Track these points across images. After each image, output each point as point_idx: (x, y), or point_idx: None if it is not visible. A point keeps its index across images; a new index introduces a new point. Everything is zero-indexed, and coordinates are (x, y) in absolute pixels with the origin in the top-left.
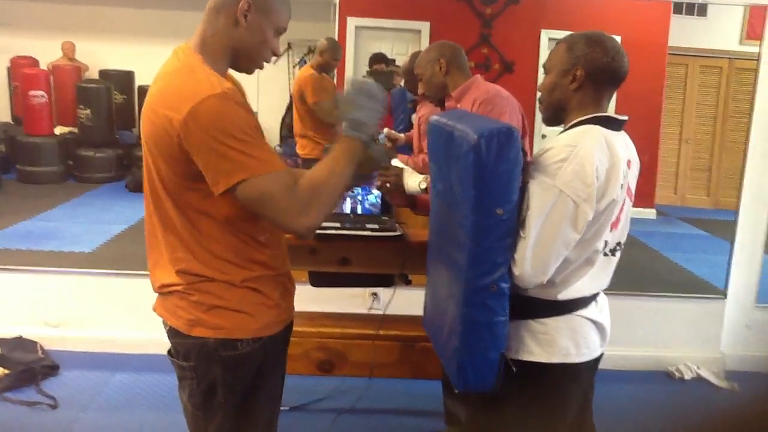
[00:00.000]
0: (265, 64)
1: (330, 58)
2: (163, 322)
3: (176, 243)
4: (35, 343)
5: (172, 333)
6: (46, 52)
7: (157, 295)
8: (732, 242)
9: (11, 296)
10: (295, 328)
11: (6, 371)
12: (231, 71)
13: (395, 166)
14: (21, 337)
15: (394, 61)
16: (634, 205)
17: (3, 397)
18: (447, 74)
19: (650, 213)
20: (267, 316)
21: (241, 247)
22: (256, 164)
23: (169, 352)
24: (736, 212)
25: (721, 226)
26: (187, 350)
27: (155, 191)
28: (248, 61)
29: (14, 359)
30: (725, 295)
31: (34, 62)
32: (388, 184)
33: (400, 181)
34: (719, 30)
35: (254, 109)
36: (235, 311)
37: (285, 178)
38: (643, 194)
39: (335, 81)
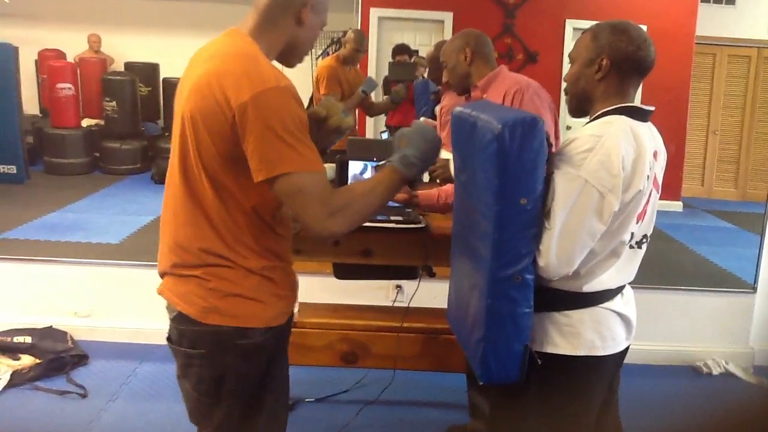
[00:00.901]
0: None
1: (353, 49)
2: (168, 307)
3: (204, 221)
4: (65, 333)
5: (181, 319)
6: (73, 45)
7: (164, 276)
8: (762, 235)
9: (42, 287)
10: (318, 320)
11: (37, 360)
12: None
13: (442, 158)
14: (51, 327)
15: (417, 52)
16: (660, 198)
17: (34, 386)
18: (471, 64)
19: (677, 205)
20: (278, 306)
21: (261, 235)
22: (302, 161)
23: (169, 338)
24: (765, 204)
25: (749, 218)
26: (196, 338)
27: (190, 166)
28: (299, 56)
29: (45, 348)
30: (754, 289)
31: (61, 55)
32: (437, 177)
33: (448, 173)
34: (748, 19)
35: None
36: (251, 299)
37: (323, 180)
38: (670, 186)
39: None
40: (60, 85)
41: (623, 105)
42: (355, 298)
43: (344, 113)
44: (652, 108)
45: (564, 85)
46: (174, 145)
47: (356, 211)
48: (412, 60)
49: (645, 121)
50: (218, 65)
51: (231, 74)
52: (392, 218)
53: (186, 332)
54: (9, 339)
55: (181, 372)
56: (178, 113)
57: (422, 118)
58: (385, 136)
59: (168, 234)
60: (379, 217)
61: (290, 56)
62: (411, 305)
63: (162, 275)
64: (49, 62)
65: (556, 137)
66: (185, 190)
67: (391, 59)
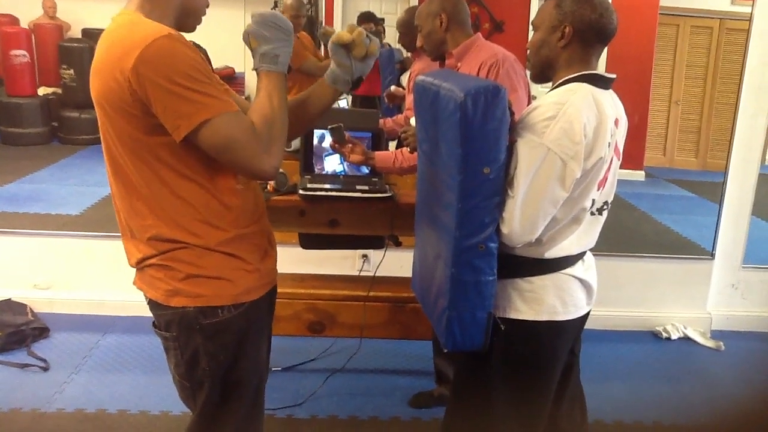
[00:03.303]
0: None
1: (291, 16)
2: (144, 295)
3: (143, 209)
4: (24, 305)
5: (153, 305)
6: (27, 11)
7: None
8: (720, 203)
9: (1, 259)
10: (285, 290)
11: None
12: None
13: (413, 126)
14: (10, 299)
15: (383, 20)
16: (623, 167)
17: None
18: (447, 30)
19: (639, 175)
20: (247, 281)
21: (213, 203)
22: (217, 104)
23: (153, 323)
24: (724, 174)
25: (708, 187)
26: (167, 321)
27: (114, 156)
28: (195, 18)
29: (4, 322)
30: (713, 256)
31: (15, 20)
32: (408, 144)
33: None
34: None
35: (240, 70)
36: (213, 278)
37: (245, 119)
38: (633, 156)
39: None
40: (14, 52)
41: (585, 72)
42: (321, 267)
43: (367, 39)
44: (613, 76)
45: (528, 52)
46: (101, 136)
47: (280, 133)
48: (378, 28)
49: (607, 88)
50: (103, 48)
51: (112, 48)
52: (358, 188)
53: (158, 317)
54: None
55: (166, 356)
56: (94, 102)
57: (392, 87)
58: (342, 104)
59: (122, 232)
60: (346, 187)
61: (188, 19)
62: (377, 274)
63: (132, 267)
64: (2, 28)
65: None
66: (119, 181)
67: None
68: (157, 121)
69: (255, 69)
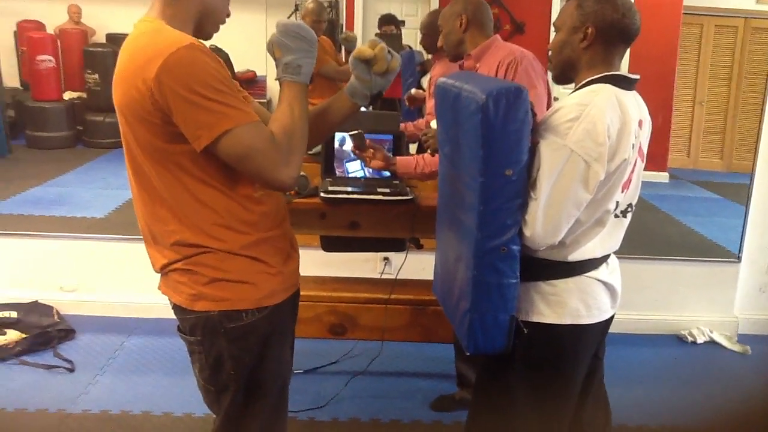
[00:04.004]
0: None
1: (313, 21)
2: (169, 300)
3: (167, 215)
4: (51, 307)
5: (177, 309)
6: (53, 16)
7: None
8: (747, 205)
9: (27, 261)
10: (306, 292)
11: (23, 335)
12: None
13: (433, 129)
14: (37, 301)
15: (403, 22)
16: (647, 169)
17: (20, 361)
18: (466, 31)
19: (663, 176)
20: (270, 285)
21: (235, 208)
22: (238, 114)
23: (178, 327)
24: (750, 175)
25: (734, 189)
26: (192, 325)
27: (136, 163)
28: (215, 25)
29: (31, 323)
30: (739, 259)
31: (41, 26)
32: (428, 147)
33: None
34: None
35: (262, 74)
36: (237, 282)
37: (265, 130)
38: (656, 158)
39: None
40: (40, 57)
41: (609, 73)
42: (342, 270)
43: (390, 55)
44: (637, 76)
45: (550, 53)
46: (123, 144)
47: (299, 144)
48: (399, 31)
49: (630, 89)
50: (126, 56)
51: (135, 57)
52: (379, 190)
53: (183, 321)
54: None
55: (191, 359)
56: (117, 111)
57: (413, 90)
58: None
59: (143, 233)
60: (367, 189)
61: (206, 26)
62: (399, 277)
63: (157, 272)
64: (28, 34)
65: (549, 109)
66: (141, 188)
67: (377, 30)
68: (178, 130)
69: (278, 79)
